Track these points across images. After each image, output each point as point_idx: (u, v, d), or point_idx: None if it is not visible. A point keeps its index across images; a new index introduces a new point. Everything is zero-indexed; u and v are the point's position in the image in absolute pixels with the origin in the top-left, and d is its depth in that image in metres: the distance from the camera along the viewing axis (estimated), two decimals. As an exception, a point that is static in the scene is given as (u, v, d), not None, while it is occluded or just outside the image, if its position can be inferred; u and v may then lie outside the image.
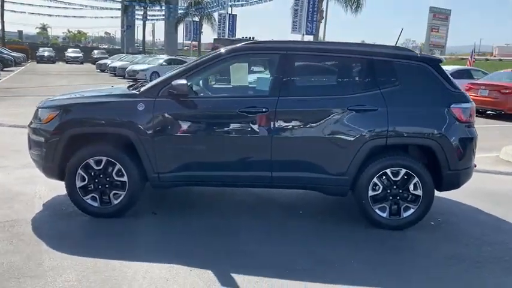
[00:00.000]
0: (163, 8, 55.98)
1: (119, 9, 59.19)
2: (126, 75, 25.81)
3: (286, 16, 30.94)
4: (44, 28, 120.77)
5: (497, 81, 13.98)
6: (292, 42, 4.98)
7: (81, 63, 45.24)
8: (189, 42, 52.28)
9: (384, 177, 4.21)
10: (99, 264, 3.40)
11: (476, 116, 4.51)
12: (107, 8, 59.33)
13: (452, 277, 3.49)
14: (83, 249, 3.64)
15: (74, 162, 4.21)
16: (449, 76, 4.38)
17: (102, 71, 32.53)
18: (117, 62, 31.59)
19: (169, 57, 29.90)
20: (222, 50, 4.40)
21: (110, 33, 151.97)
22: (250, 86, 4.72)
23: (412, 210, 4.24)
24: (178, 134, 4.19)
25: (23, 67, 35.37)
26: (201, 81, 4.69)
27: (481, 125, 8.97)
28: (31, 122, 4.51)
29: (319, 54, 4.47)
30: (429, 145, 4.15)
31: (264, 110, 4.10)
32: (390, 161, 4.19)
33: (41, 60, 43.77)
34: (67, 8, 53.47)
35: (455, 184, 4.34)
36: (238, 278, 3.29)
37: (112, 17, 64.24)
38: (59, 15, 56.64)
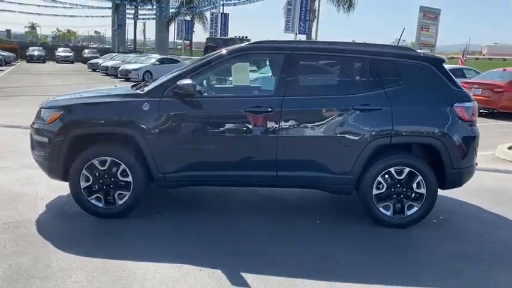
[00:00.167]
0: (154, 7, 55.78)
1: (109, 8, 58.89)
2: (118, 75, 25.72)
3: (279, 16, 30.92)
4: (33, 27, 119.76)
5: (489, 80, 14.15)
6: (297, 42, 5.03)
7: (72, 62, 44.85)
8: (181, 41, 52.14)
9: (387, 175, 4.25)
10: (107, 265, 3.39)
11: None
12: (97, 7, 58.98)
13: (457, 274, 3.52)
14: (90, 249, 3.63)
15: (78, 162, 4.19)
16: (452, 75, 4.43)
17: (94, 70, 32.34)
18: (109, 61, 31.43)
19: (162, 56, 29.81)
20: (227, 49, 4.40)
21: (99, 32, 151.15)
22: (255, 85, 4.73)
23: (415, 209, 4.28)
24: (183, 134, 4.19)
25: (13, 66, 35.04)
26: (204, 81, 4.69)
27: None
28: (33, 123, 4.48)
29: (324, 53, 4.49)
30: (433, 144, 4.20)
31: (269, 109, 4.12)
32: (394, 159, 4.23)
33: (31, 59, 43.37)
34: (57, 7, 52.99)
35: (458, 182, 4.39)
36: (248, 277, 3.30)
37: (103, 16, 63.73)
38: (48, 14, 56.21)
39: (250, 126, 4.16)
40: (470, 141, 4.30)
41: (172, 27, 52.23)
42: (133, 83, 5.16)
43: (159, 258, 3.52)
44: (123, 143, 4.21)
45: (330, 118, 4.16)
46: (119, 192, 4.25)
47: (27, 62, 42.63)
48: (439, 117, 4.23)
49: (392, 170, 4.22)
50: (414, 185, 4.24)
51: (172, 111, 4.15)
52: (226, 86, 4.65)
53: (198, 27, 50.04)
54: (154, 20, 58.16)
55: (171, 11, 53.07)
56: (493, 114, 13.89)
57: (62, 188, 4.78)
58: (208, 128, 4.22)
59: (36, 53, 44.85)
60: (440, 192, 4.43)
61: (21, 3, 50.63)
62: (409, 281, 3.38)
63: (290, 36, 28.30)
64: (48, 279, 3.15)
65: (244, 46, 4.45)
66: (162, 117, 4.14)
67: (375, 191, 4.25)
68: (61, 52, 47.49)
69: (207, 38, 32.55)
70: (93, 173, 4.22)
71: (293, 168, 4.24)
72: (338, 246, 3.94)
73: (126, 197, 4.25)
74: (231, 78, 4.73)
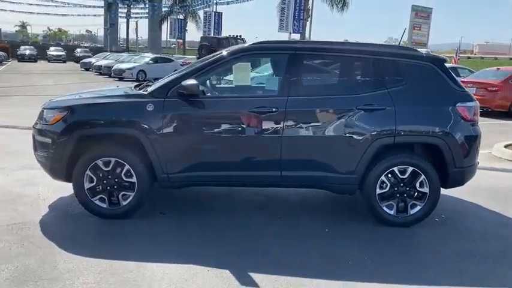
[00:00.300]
0: (147, 5, 55.55)
1: (101, 7, 58.55)
2: (112, 74, 25.58)
3: (273, 15, 30.90)
4: (23, 26, 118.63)
5: (483, 79, 14.27)
6: (300, 42, 5.05)
7: (64, 61, 44.54)
8: (174, 40, 51.96)
9: (391, 175, 4.27)
10: (115, 266, 3.38)
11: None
12: (89, 6, 58.61)
13: (463, 273, 3.55)
14: (96, 250, 3.61)
15: (82, 163, 4.17)
16: (454, 75, 4.47)
17: (87, 69, 32.13)
18: (102, 60, 31.23)
19: (156, 55, 29.73)
20: (231, 50, 4.40)
21: (91, 31, 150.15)
22: (259, 85, 4.73)
23: (418, 208, 4.32)
24: (188, 134, 4.19)
25: (4, 66, 34.77)
26: (208, 82, 4.69)
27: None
28: (36, 123, 4.45)
29: (327, 54, 4.50)
30: (436, 143, 4.23)
31: (273, 110, 4.12)
32: (398, 159, 4.26)
33: (22, 58, 43.00)
34: (48, 5, 52.58)
35: (460, 181, 4.44)
36: (257, 277, 3.31)
37: (94, 15, 63.21)
38: (39, 13, 55.73)
39: (254, 126, 4.17)
40: (472, 141, 4.34)
41: (165, 26, 52.12)
42: (136, 83, 5.12)
43: (165, 258, 3.52)
44: (127, 144, 4.20)
45: (334, 118, 4.18)
46: (123, 192, 4.24)
47: (19, 61, 42.25)
48: (442, 117, 4.26)
49: (395, 169, 4.25)
50: (417, 184, 4.27)
51: (176, 111, 4.15)
52: (231, 86, 4.64)
53: (191, 26, 49.92)
54: (147, 19, 57.99)
55: (163, 9, 52.89)
56: (487, 113, 13.99)
57: (64, 189, 4.77)
58: (213, 129, 4.21)
59: (27, 52, 44.47)
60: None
61: (13, 2, 50.11)
62: (415, 280, 3.40)
63: (284, 35, 28.37)
64: (56, 280, 3.14)
65: (248, 46, 4.45)
66: (166, 117, 4.13)
67: (378, 190, 4.28)
68: (53, 51, 47.15)
69: (201, 37, 32.46)
70: (97, 173, 4.20)
71: (297, 168, 4.25)
72: (343, 246, 3.95)
73: (130, 198, 4.24)
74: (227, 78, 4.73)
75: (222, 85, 5.24)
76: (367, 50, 4.44)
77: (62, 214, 4.42)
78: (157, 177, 4.24)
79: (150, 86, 4.52)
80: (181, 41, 51.38)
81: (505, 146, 8.21)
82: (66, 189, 4.71)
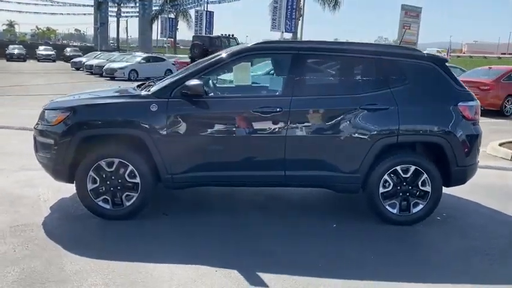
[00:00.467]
0: (137, 4, 55.25)
1: (91, 5, 58.13)
2: (103, 73, 25.38)
3: (265, 14, 30.86)
4: (11, 25, 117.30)
5: (475, 78, 14.39)
6: (304, 42, 5.04)
7: (54, 61, 44.11)
8: (165, 39, 51.71)
9: (393, 174, 4.30)
10: (122, 267, 3.36)
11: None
12: (79, 5, 58.23)
13: (467, 271, 3.59)
14: (102, 252, 3.59)
15: (85, 164, 4.14)
16: (455, 75, 4.52)
17: (78, 69, 31.86)
18: (93, 59, 30.99)
19: (148, 54, 29.58)
20: (233, 50, 4.39)
21: (80, 30, 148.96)
22: (263, 85, 4.74)
23: (421, 206, 4.36)
24: (191, 135, 4.18)
25: (-7, 65, 34.30)
26: (210, 82, 4.68)
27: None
28: (37, 124, 4.41)
29: (331, 54, 4.51)
30: (438, 142, 4.27)
31: (277, 110, 4.13)
32: (400, 158, 4.29)
33: (11, 58, 42.51)
34: (37, 4, 52.05)
35: (462, 180, 4.48)
36: (265, 276, 3.31)
37: (84, 14, 62.95)
38: (27, 12, 55.13)
39: (258, 126, 4.17)
40: (473, 140, 4.40)
41: (156, 25, 51.85)
42: (138, 83, 5.09)
43: (171, 259, 3.51)
44: (131, 144, 4.18)
45: (338, 118, 4.20)
46: (127, 193, 4.22)
47: (7, 60, 41.72)
48: (444, 116, 4.31)
49: (398, 168, 4.28)
50: (420, 183, 4.31)
51: (180, 112, 4.13)
52: (234, 86, 4.64)
53: (182, 25, 49.75)
54: (137, 18, 57.65)
55: (154, 8, 52.71)
56: (480, 111, 14.16)
57: (64, 190, 4.75)
58: (217, 129, 4.21)
59: (16, 51, 43.98)
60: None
61: (1, 0, 49.52)
62: (419, 278, 3.42)
63: (276, 35, 28.36)
64: (64, 282, 3.12)
65: (251, 46, 4.45)
66: (170, 117, 4.11)
67: (381, 189, 4.31)
68: (42, 50, 46.63)
69: (193, 36, 32.32)
70: (100, 174, 4.18)
71: (301, 167, 4.27)
72: (348, 245, 3.97)
73: (134, 199, 4.22)
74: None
75: (225, 85, 5.24)
76: (369, 50, 4.46)
77: (65, 215, 4.38)
78: (161, 178, 4.23)
79: (153, 86, 4.50)
80: (172, 40, 51.19)
81: (500, 144, 8.30)
82: (66, 190, 4.69)
